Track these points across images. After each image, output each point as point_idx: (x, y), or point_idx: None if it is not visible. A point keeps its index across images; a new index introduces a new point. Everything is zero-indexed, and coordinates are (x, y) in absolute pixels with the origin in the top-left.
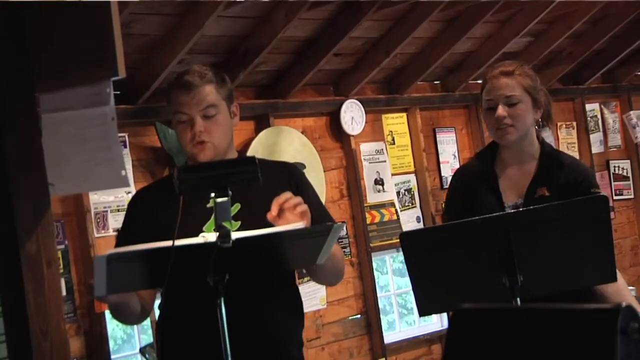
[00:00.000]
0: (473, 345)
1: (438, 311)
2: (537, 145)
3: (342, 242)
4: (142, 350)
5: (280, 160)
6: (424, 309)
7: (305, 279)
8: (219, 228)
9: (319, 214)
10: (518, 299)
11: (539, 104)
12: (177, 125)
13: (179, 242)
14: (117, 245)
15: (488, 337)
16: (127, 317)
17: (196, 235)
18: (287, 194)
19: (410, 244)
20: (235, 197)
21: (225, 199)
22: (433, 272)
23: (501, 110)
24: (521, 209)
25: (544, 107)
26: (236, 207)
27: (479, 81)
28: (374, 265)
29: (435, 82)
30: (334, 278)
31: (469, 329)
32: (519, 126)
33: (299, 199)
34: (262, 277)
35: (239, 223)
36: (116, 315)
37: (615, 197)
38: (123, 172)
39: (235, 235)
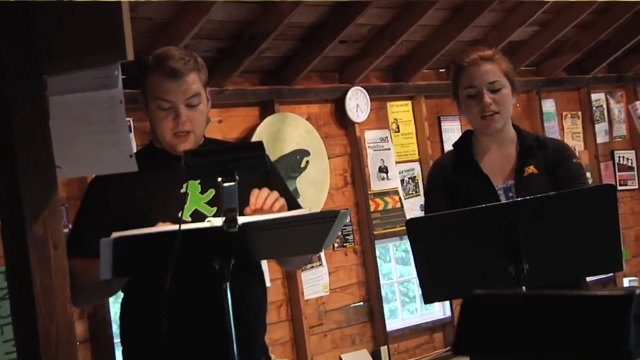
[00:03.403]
0: (484, 331)
1: (443, 299)
2: (512, 130)
3: (345, 229)
4: None
5: (249, 142)
6: (429, 297)
7: (308, 266)
8: (226, 212)
9: (286, 199)
10: (524, 288)
11: (516, 88)
12: (155, 112)
13: (186, 227)
14: (76, 232)
15: (499, 324)
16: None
17: (173, 221)
18: (264, 192)
19: (416, 231)
20: (209, 183)
21: (232, 183)
22: (438, 259)
23: (487, 97)
24: (528, 197)
25: (517, 89)
26: (210, 193)
27: None
28: (377, 253)
29: (441, 70)
30: (301, 262)
31: (480, 315)
32: (504, 112)
33: (275, 195)
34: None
35: (214, 209)
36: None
37: (619, 188)
38: (130, 155)
39: (242, 220)
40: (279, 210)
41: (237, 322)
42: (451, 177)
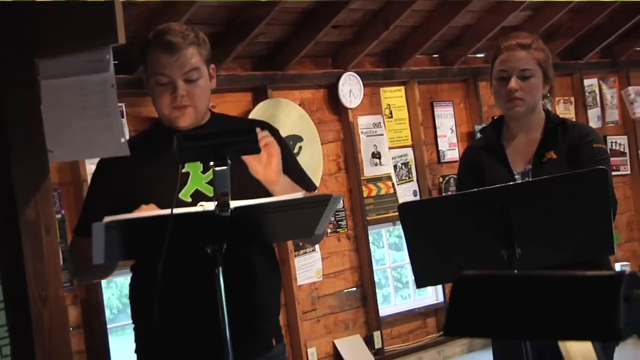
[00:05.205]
0: (474, 313)
1: (435, 283)
2: (542, 115)
3: (338, 215)
4: None
5: (254, 119)
6: (421, 281)
7: (301, 251)
8: (218, 196)
9: (299, 176)
10: (516, 272)
11: (549, 79)
12: (154, 88)
13: (178, 211)
14: (86, 210)
15: (490, 305)
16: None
17: (163, 203)
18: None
19: (408, 215)
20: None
21: (224, 167)
22: (431, 243)
23: (514, 83)
24: (519, 181)
25: (551, 81)
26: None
27: (478, 55)
28: (370, 238)
29: (434, 56)
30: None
31: (471, 296)
32: (529, 99)
33: (264, 133)
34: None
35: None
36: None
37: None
38: (122, 139)
39: (234, 204)
40: (269, 147)
41: (246, 303)
42: (479, 161)
